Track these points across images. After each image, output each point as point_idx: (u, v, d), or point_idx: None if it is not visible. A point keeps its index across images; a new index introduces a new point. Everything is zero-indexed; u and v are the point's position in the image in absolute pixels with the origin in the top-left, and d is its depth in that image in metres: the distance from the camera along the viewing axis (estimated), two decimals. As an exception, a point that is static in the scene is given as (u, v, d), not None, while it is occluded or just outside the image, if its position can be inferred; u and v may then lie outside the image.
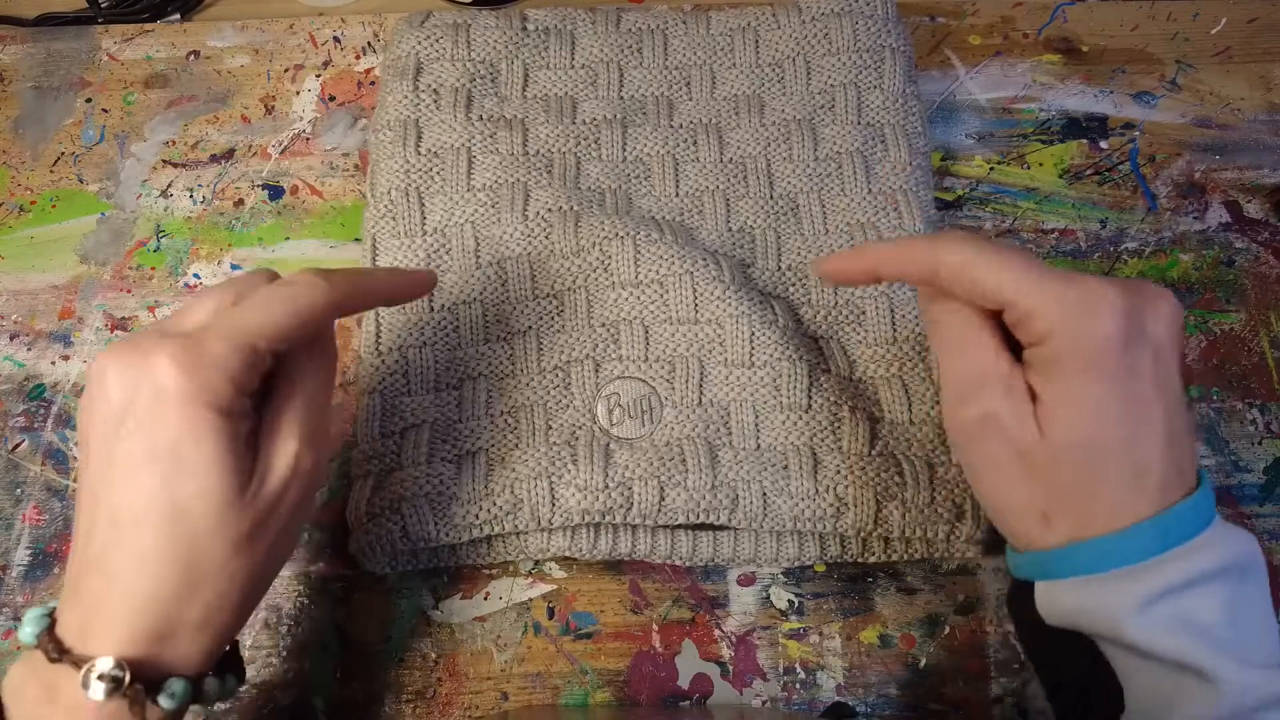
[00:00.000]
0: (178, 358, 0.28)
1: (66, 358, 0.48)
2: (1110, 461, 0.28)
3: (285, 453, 0.31)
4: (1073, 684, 0.31)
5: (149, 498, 0.28)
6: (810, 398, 0.42)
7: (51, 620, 0.30)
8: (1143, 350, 0.28)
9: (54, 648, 0.28)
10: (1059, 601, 0.30)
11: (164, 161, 0.52)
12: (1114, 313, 0.28)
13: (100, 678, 0.28)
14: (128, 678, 0.28)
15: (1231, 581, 0.28)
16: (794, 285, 0.45)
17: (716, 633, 0.42)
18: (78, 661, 0.28)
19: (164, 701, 0.29)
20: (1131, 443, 0.28)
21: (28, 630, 0.29)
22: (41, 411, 0.46)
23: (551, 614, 0.43)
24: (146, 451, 0.28)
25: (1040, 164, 0.51)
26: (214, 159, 0.52)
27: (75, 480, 0.33)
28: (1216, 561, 0.27)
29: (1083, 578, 0.29)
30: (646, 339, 0.44)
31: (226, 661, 0.33)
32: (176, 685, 0.29)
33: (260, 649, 0.42)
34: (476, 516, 0.40)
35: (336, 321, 0.46)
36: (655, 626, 0.42)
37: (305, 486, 0.32)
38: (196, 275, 0.49)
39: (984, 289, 0.30)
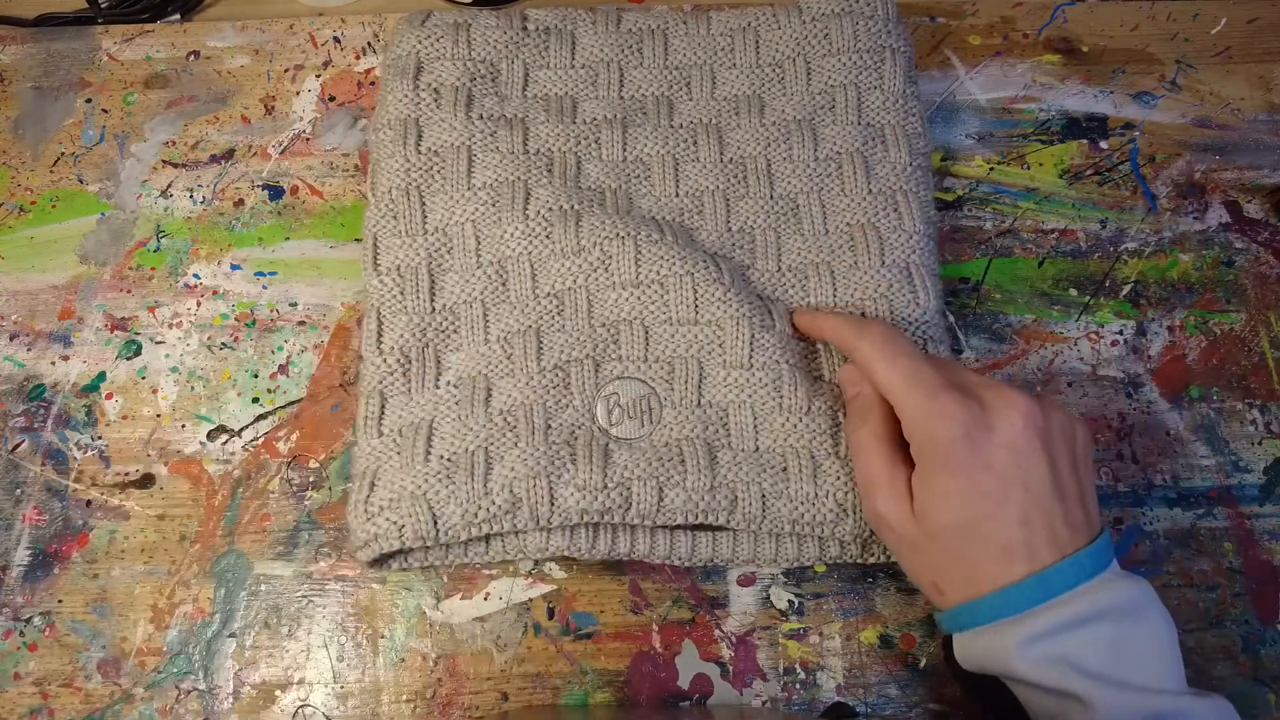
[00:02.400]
0: None
1: (66, 358, 0.48)
2: (972, 540, 0.34)
3: None
4: (996, 710, 0.38)
5: None
6: (809, 401, 0.42)
7: None
8: (993, 449, 0.34)
9: None
10: (965, 649, 0.36)
11: (164, 162, 0.52)
12: (954, 423, 0.34)
13: None
14: None
15: (1111, 622, 0.33)
16: (794, 286, 0.45)
17: (716, 633, 0.42)
18: None
19: None
20: (990, 521, 0.34)
21: None
22: (41, 411, 0.46)
23: (551, 614, 0.43)
24: None
25: (1040, 164, 0.51)
26: (214, 159, 0.52)
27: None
28: (1093, 607, 0.33)
29: (975, 629, 0.35)
30: (646, 339, 0.44)
31: None
32: None
33: (260, 649, 0.42)
34: (475, 516, 0.40)
35: (337, 321, 0.46)
36: (655, 627, 0.42)
37: None
38: (196, 275, 0.49)
39: (878, 384, 0.38)
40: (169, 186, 0.51)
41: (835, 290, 0.45)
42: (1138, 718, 0.31)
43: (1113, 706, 0.31)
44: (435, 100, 0.48)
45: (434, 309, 0.44)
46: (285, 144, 0.52)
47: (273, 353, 0.47)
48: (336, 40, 0.55)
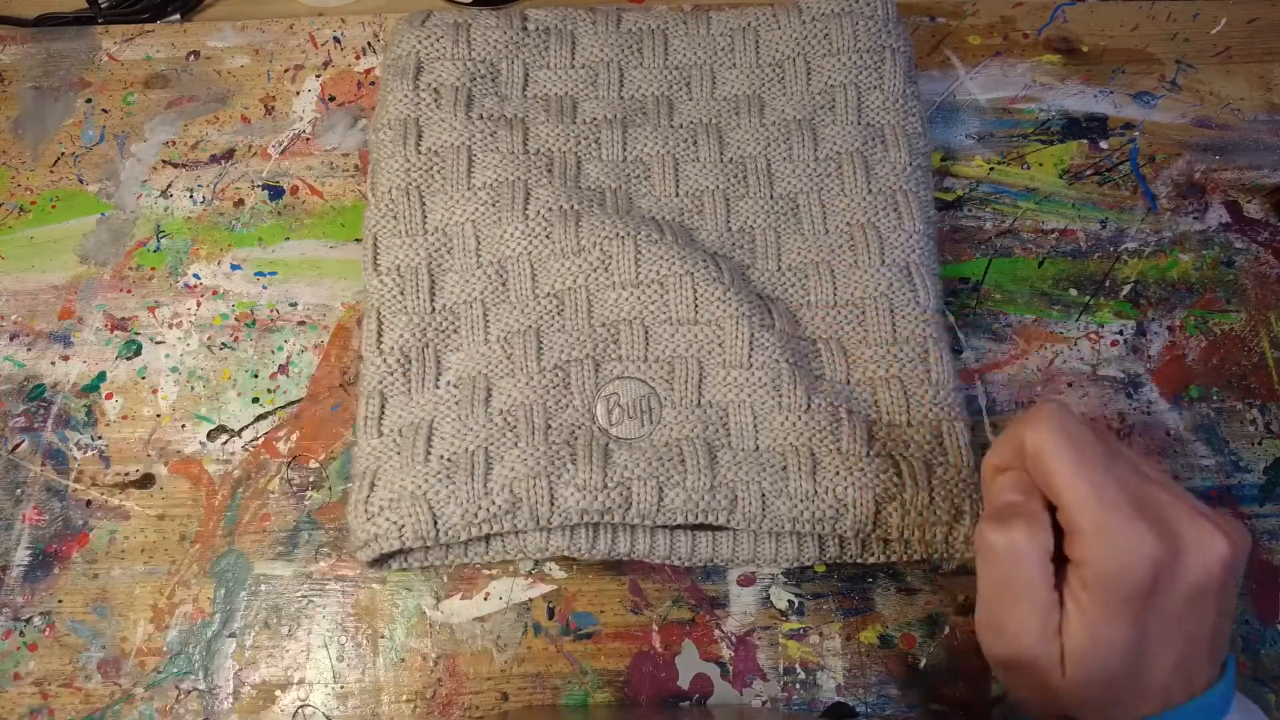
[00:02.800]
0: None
1: (66, 358, 0.48)
2: (1117, 685, 0.31)
3: None
4: None
5: None
6: (809, 399, 0.42)
7: None
8: (1176, 592, 0.30)
9: None
10: None
11: (164, 162, 0.52)
12: (1145, 561, 0.29)
13: None
14: None
15: None
16: (794, 285, 0.45)
17: (716, 633, 0.42)
18: None
19: None
20: (1140, 667, 0.31)
21: None
22: (41, 412, 0.46)
23: (551, 614, 0.43)
24: None
25: (1040, 164, 0.51)
26: (214, 159, 0.52)
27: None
28: None
29: None
30: (646, 339, 0.44)
31: None
32: None
33: (260, 649, 0.42)
34: (475, 516, 0.40)
35: (337, 321, 0.45)
36: (655, 627, 0.42)
37: None
38: (196, 275, 0.49)
39: (1056, 490, 0.31)
40: (169, 186, 0.51)
41: (835, 290, 0.45)
42: None
43: None
44: (435, 100, 0.48)
45: (434, 309, 0.44)
46: (285, 144, 0.52)
47: (273, 353, 0.47)
48: (336, 40, 0.55)
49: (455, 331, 0.44)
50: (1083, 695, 0.31)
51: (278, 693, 0.42)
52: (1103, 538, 0.30)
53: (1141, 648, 0.30)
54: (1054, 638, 0.31)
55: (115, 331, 0.48)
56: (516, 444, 0.41)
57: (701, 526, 0.42)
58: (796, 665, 0.42)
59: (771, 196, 0.47)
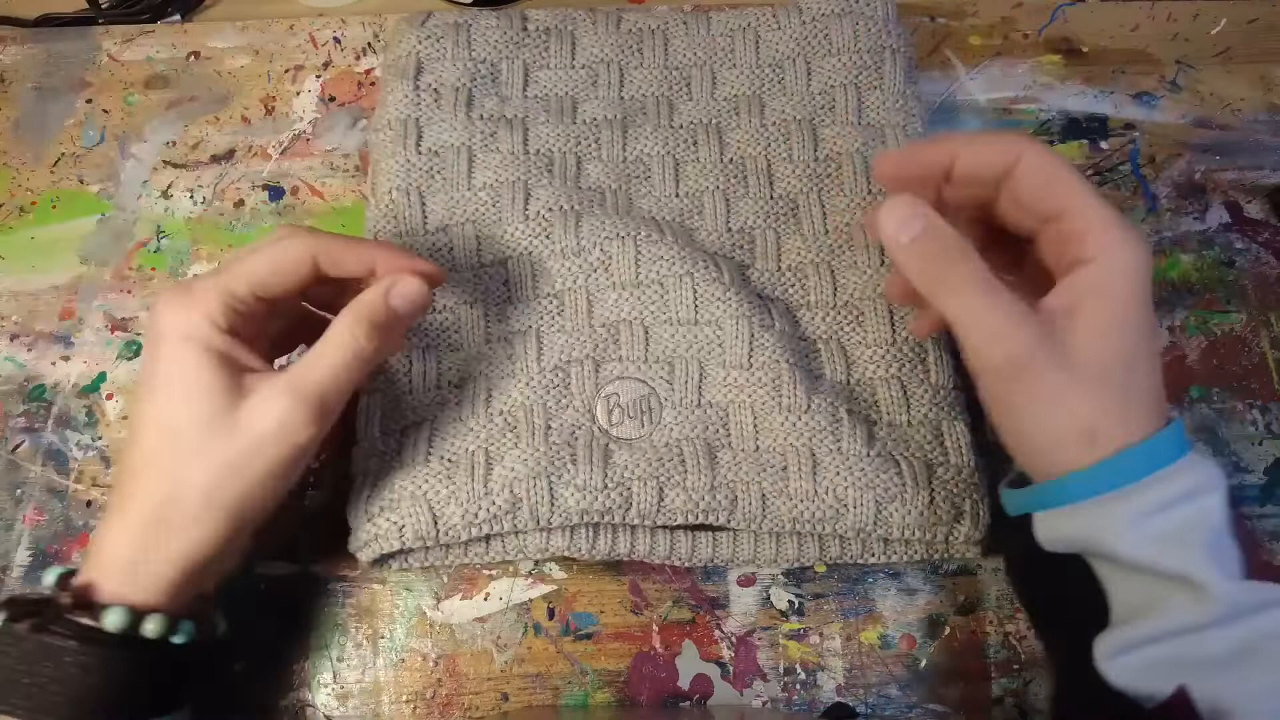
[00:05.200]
0: (171, 302, 0.34)
1: (67, 358, 0.48)
2: (1132, 381, 0.31)
3: (274, 404, 0.34)
4: (1058, 607, 0.33)
5: (143, 412, 0.34)
6: (809, 399, 0.42)
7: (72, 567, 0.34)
8: (1149, 298, 0.32)
9: (67, 593, 0.33)
10: (1062, 524, 0.32)
11: (164, 162, 0.52)
12: (1147, 252, 0.31)
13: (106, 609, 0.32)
14: (129, 615, 0.32)
15: (1209, 497, 0.30)
16: (794, 286, 0.45)
17: (717, 633, 0.42)
18: (82, 599, 0.33)
19: (108, 620, 0.32)
20: (1150, 365, 0.31)
21: (47, 578, 0.34)
22: (41, 412, 0.46)
23: (551, 614, 0.43)
24: (150, 378, 0.34)
25: (1040, 164, 0.51)
26: (214, 160, 0.52)
27: None
28: (1193, 480, 0.30)
29: (1087, 502, 0.31)
30: (646, 340, 0.44)
31: (199, 615, 0.36)
32: (158, 620, 0.33)
33: (261, 649, 0.42)
34: (476, 516, 0.40)
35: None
36: (655, 627, 0.42)
37: (292, 447, 0.34)
38: (197, 276, 0.49)
39: (1055, 192, 0.32)
40: (169, 187, 0.51)
41: (835, 290, 0.45)
42: (1252, 600, 0.29)
43: (1229, 592, 0.29)
44: (435, 101, 0.48)
45: (434, 309, 0.44)
46: (286, 144, 0.52)
47: (273, 353, 0.47)
48: (336, 40, 0.55)
49: (455, 332, 0.44)
50: (1106, 385, 0.31)
51: (278, 693, 0.41)
52: (1120, 230, 0.31)
53: (1148, 338, 0.31)
54: (1043, 326, 0.31)
55: (116, 332, 0.48)
56: (516, 444, 0.41)
57: (702, 527, 0.41)
58: (797, 665, 0.42)
59: (771, 197, 0.47)
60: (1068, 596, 0.33)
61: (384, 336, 0.36)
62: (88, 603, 0.33)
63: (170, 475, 0.33)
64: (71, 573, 0.34)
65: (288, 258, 0.35)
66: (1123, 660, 0.31)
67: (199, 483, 0.33)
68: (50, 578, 0.34)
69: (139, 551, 0.33)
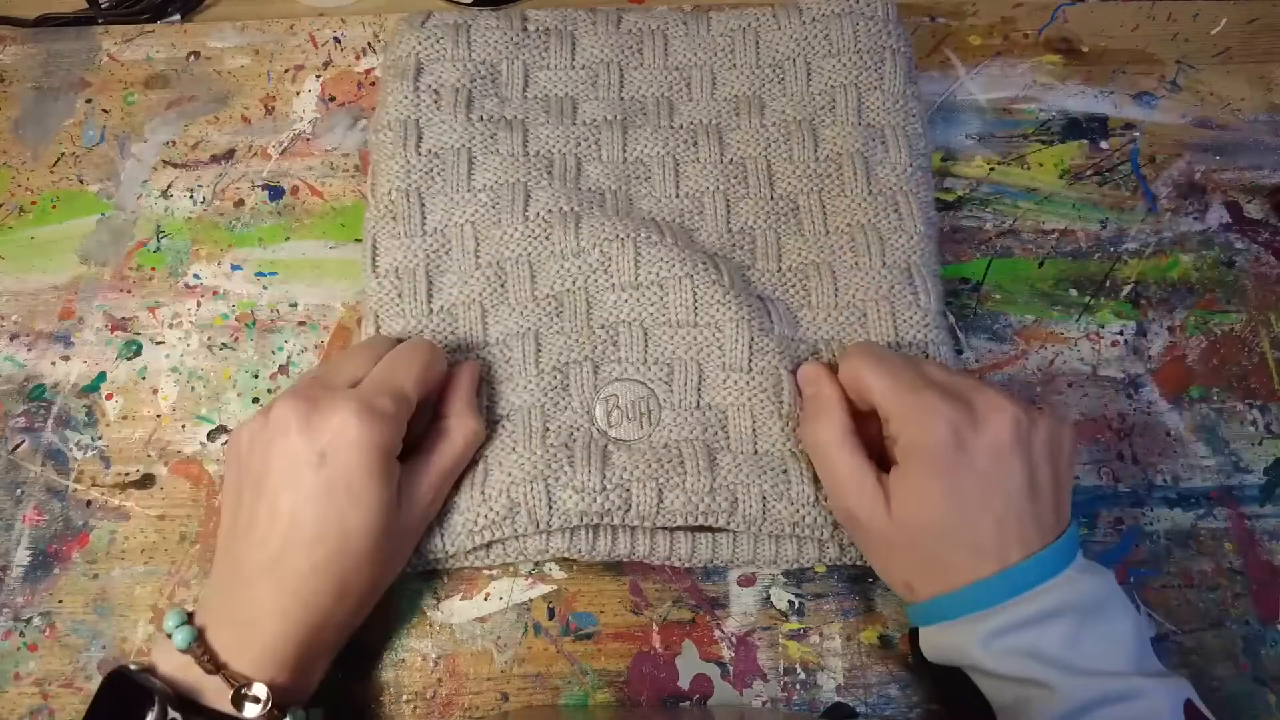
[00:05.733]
0: (360, 413, 0.35)
1: (66, 358, 0.48)
2: (947, 539, 0.35)
3: (420, 495, 0.38)
4: (959, 701, 0.37)
5: (329, 521, 0.35)
6: (809, 403, 0.42)
7: (198, 629, 0.35)
8: (978, 451, 0.35)
9: (209, 660, 0.34)
10: (931, 642, 0.37)
11: (164, 162, 0.52)
12: (943, 423, 0.35)
13: (249, 699, 0.34)
14: (270, 703, 0.34)
15: (1072, 616, 0.34)
16: (794, 286, 0.45)
17: (717, 633, 0.42)
18: (232, 678, 0.34)
19: None
20: (967, 522, 0.35)
21: (179, 638, 0.35)
22: (41, 412, 0.46)
23: (552, 614, 0.43)
24: (331, 486, 0.35)
25: (1040, 164, 0.51)
26: (214, 159, 0.52)
27: (222, 496, 0.36)
28: (1055, 603, 0.34)
29: (942, 624, 0.36)
30: (645, 341, 0.44)
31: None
32: (299, 714, 0.36)
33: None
34: (475, 523, 0.40)
35: (337, 321, 0.46)
36: (655, 627, 0.42)
37: (423, 527, 0.40)
38: (197, 276, 0.49)
39: (863, 385, 0.38)
40: (169, 187, 0.51)
41: (836, 291, 0.45)
42: (1095, 696, 0.33)
43: (1073, 689, 0.33)
44: (435, 102, 0.48)
45: (431, 311, 0.44)
46: (285, 144, 0.52)
47: (273, 353, 0.47)
48: (336, 40, 0.55)
49: (453, 333, 0.44)
50: (916, 546, 0.36)
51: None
52: (906, 411, 0.36)
53: (960, 502, 0.35)
54: (875, 492, 0.37)
55: (115, 332, 0.48)
56: (514, 448, 0.41)
57: (702, 528, 0.41)
58: (797, 666, 0.42)
59: (772, 197, 0.47)
60: (964, 699, 0.37)
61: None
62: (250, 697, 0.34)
63: (342, 579, 0.36)
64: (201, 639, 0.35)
65: (439, 365, 0.40)
66: None
67: (364, 585, 0.37)
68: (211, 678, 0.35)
69: (309, 658, 0.36)
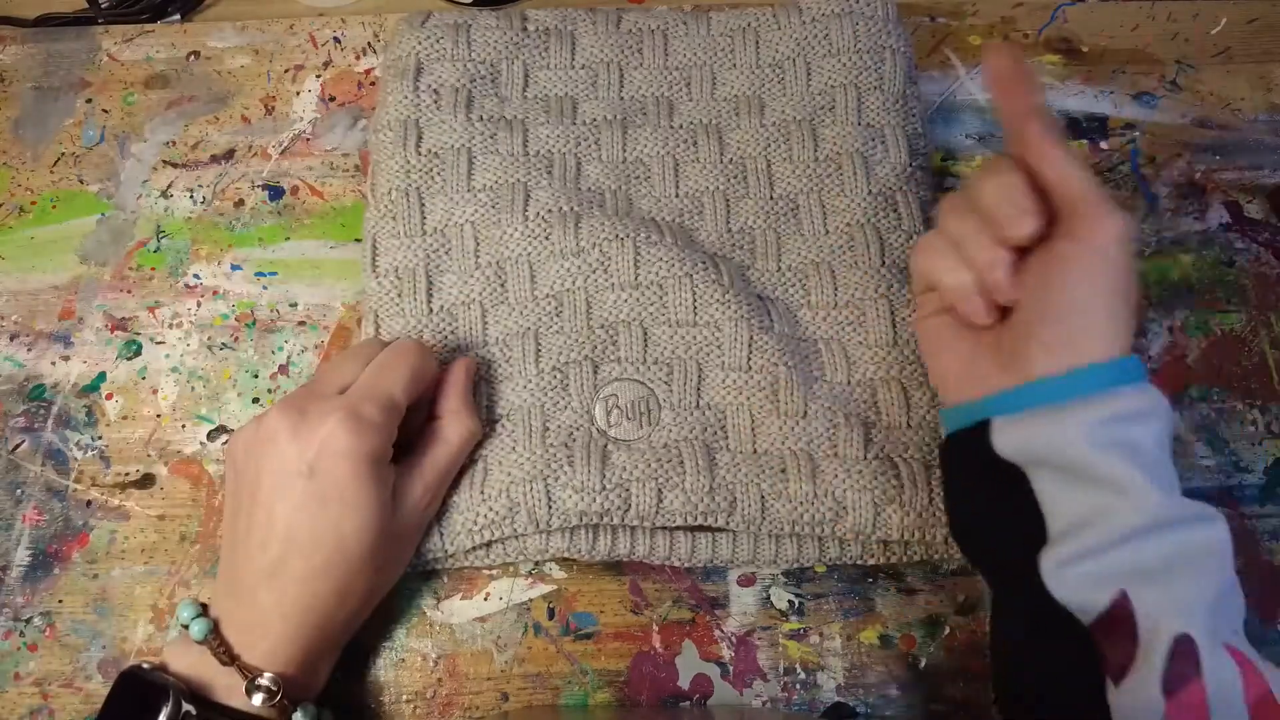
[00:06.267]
0: (346, 422, 0.35)
1: (66, 358, 0.48)
2: (1089, 317, 0.34)
3: (416, 497, 0.38)
4: (994, 529, 0.36)
5: (323, 529, 0.35)
6: (806, 406, 0.42)
7: (213, 620, 0.36)
8: (1126, 258, 0.34)
9: (224, 652, 0.35)
10: (1017, 432, 0.35)
11: (164, 162, 0.52)
12: (1128, 229, 0.34)
13: (261, 689, 0.35)
14: (281, 693, 0.35)
15: (1162, 419, 0.33)
16: (794, 286, 0.45)
17: (716, 633, 0.42)
18: (246, 669, 0.35)
19: (296, 717, 0.36)
20: (1105, 306, 0.34)
21: (196, 629, 0.36)
22: (41, 412, 0.46)
23: (552, 614, 0.43)
24: (323, 495, 0.35)
25: (1040, 164, 0.51)
26: (214, 159, 0.52)
27: (223, 499, 0.36)
28: (1152, 403, 0.33)
29: (1039, 410, 0.34)
30: (645, 341, 0.44)
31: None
32: (309, 709, 0.36)
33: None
34: (474, 523, 0.40)
35: (337, 321, 0.46)
36: (655, 627, 0.42)
37: (422, 527, 0.40)
38: (197, 276, 0.49)
39: (1066, 181, 0.35)
40: (169, 187, 0.51)
41: (835, 290, 0.45)
42: (1174, 515, 0.32)
43: (1156, 503, 0.32)
44: (435, 102, 0.48)
45: (430, 310, 0.44)
46: (285, 144, 0.52)
47: (273, 353, 0.47)
48: (336, 40, 0.55)
49: (453, 333, 0.44)
50: (1050, 322, 0.34)
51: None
52: (1102, 201, 0.34)
53: (1112, 283, 0.34)
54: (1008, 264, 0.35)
55: (115, 332, 0.48)
56: (514, 448, 0.41)
57: (702, 527, 0.41)
58: (797, 665, 0.42)
59: (771, 197, 0.47)
60: (1005, 518, 0.35)
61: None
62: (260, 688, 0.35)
63: (341, 582, 0.36)
64: (217, 634, 0.36)
65: (429, 367, 0.40)
66: (1065, 573, 0.32)
67: (364, 587, 0.37)
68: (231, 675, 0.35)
69: (314, 656, 0.37)
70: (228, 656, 0.35)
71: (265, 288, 0.49)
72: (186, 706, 0.33)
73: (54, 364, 0.48)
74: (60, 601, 0.43)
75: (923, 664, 0.42)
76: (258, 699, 0.34)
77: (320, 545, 0.35)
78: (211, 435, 0.46)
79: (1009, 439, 0.35)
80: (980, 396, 0.36)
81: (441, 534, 0.40)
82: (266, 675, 0.35)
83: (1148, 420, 0.33)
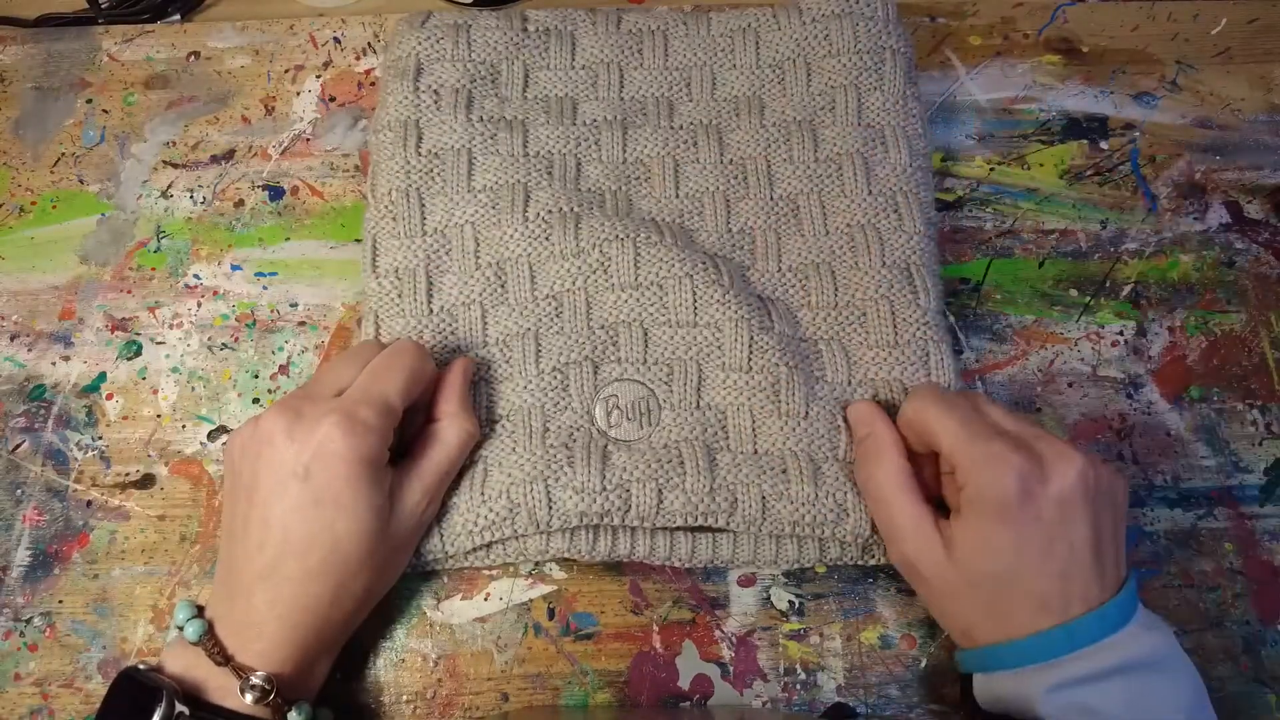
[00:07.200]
0: (341, 425, 0.35)
1: (67, 358, 0.48)
2: (1011, 589, 0.35)
3: (413, 500, 0.38)
4: None
5: (318, 531, 0.35)
6: (807, 407, 0.42)
7: (208, 621, 0.36)
8: (1045, 501, 0.34)
9: (219, 652, 0.35)
10: (986, 689, 0.37)
11: (164, 162, 0.52)
12: (1011, 472, 0.34)
13: (254, 688, 0.34)
14: (275, 692, 0.35)
15: (1133, 675, 0.33)
16: (794, 286, 0.45)
17: (717, 633, 0.42)
18: (239, 670, 0.35)
19: (292, 716, 0.36)
20: (1031, 573, 0.35)
21: (191, 631, 0.36)
22: (42, 412, 0.46)
23: (552, 615, 0.43)
24: (318, 497, 0.35)
25: (1041, 165, 0.51)
26: (214, 159, 0.52)
27: (221, 499, 0.36)
28: (1117, 660, 0.33)
29: (999, 673, 0.36)
30: (645, 341, 0.44)
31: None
32: (304, 709, 0.36)
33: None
34: (475, 524, 0.40)
35: (337, 321, 0.47)
36: (655, 627, 0.42)
37: (421, 529, 0.39)
38: (197, 276, 0.49)
39: (930, 430, 0.38)
40: (169, 187, 0.51)
41: (836, 291, 0.45)
42: None
43: None
44: (435, 102, 0.48)
45: (430, 311, 0.44)
46: (285, 144, 0.52)
47: (273, 353, 0.47)
48: (337, 41, 0.55)
49: (453, 333, 0.44)
50: (978, 594, 0.36)
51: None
52: (974, 460, 0.35)
53: (1025, 553, 0.34)
54: (934, 538, 0.36)
55: (116, 332, 0.48)
56: (514, 449, 0.41)
57: (702, 528, 0.41)
58: (797, 666, 0.42)
59: (772, 198, 0.47)
60: None
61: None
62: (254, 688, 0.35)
63: (337, 584, 0.36)
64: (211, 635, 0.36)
65: (426, 369, 0.40)
66: None
67: (360, 589, 0.37)
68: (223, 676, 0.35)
69: (310, 657, 0.37)
70: (222, 657, 0.35)
71: (265, 288, 0.49)
72: (180, 707, 0.33)
73: (54, 364, 0.48)
74: (60, 602, 0.43)
75: (923, 664, 0.42)
76: (249, 698, 0.34)
77: (315, 547, 0.35)
78: (212, 435, 0.46)
79: (984, 694, 0.37)
80: (966, 646, 0.38)
81: (441, 535, 0.40)
82: (259, 674, 0.35)
83: (1111, 677, 0.33)
